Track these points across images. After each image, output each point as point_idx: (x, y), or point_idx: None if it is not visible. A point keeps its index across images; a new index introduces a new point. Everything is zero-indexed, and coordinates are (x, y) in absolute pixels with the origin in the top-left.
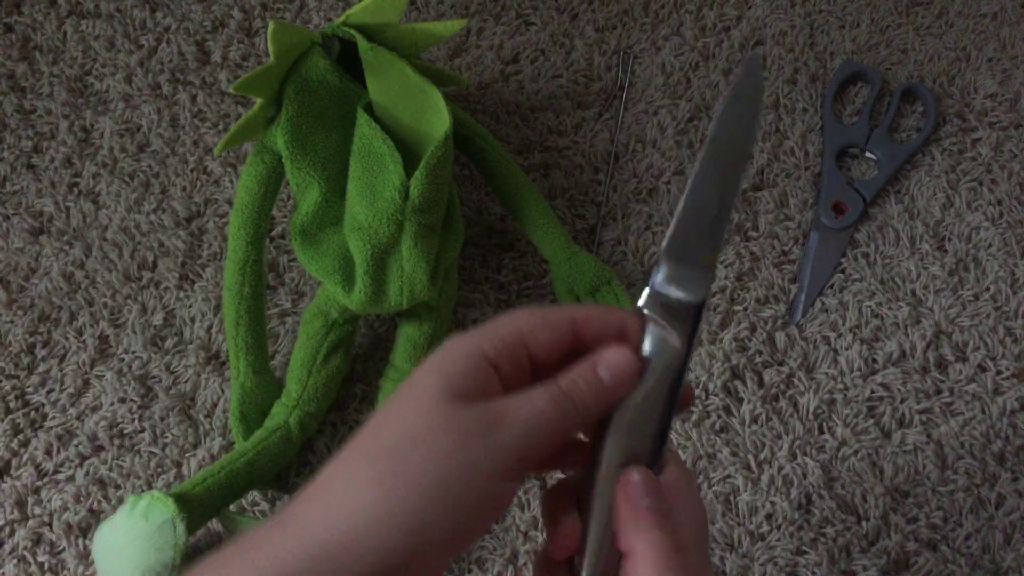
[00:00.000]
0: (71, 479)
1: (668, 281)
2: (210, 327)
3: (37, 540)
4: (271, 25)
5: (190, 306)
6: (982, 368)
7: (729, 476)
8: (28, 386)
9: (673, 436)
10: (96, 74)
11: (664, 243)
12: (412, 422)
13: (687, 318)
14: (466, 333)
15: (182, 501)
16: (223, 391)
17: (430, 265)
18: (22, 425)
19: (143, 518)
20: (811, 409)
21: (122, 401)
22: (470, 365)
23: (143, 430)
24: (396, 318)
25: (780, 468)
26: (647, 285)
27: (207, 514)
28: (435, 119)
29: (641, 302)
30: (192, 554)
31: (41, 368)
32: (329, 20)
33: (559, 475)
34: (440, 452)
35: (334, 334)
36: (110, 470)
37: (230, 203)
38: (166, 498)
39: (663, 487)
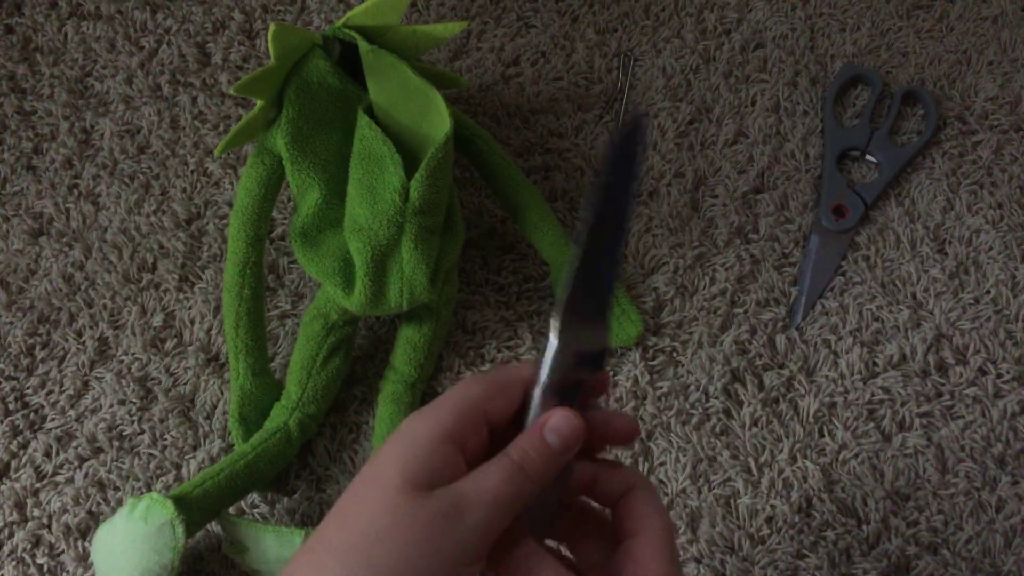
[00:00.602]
0: (70, 481)
1: (573, 334)
2: (210, 329)
3: (36, 542)
4: (272, 27)
5: (190, 308)
6: (983, 371)
7: (729, 479)
8: (27, 388)
9: (673, 439)
10: (97, 76)
11: (565, 298)
12: (379, 517)
13: (595, 363)
14: (427, 411)
15: (181, 503)
16: (223, 393)
17: (430, 267)
18: (21, 427)
19: (142, 520)
20: (811, 412)
21: (121, 403)
22: (434, 451)
23: (142, 432)
24: (396, 320)
25: (780, 471)
26: (549, 345)
27: (206, 516)
28: (436, 121)
29: (545, 371)
30: (191, 556)
31: (40, 370)
32: (330, 22)
33: None
34: (409, 547)
35: (334, 336)
36: (109, 472)
37: (230, 205)
38: (165, 500)
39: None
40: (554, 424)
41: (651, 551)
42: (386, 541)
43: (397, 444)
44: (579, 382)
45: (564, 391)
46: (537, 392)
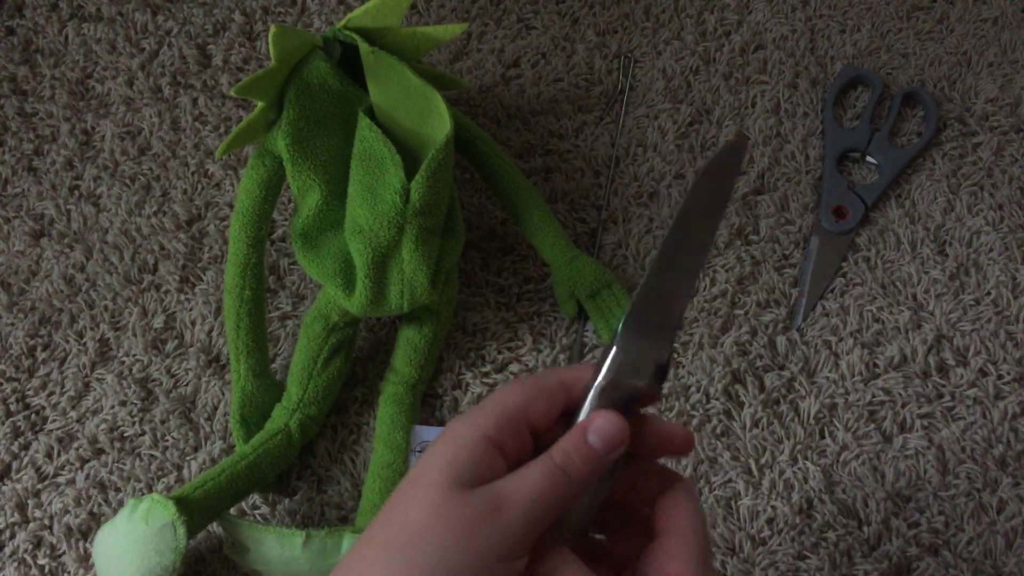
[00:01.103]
0: (71, 482)
1: (636, 343)
2: (211, 330)
3: (38, 543)
4: (273, 28)
5: (191, 309)
6: (983, 373)
7: (730, 480)
8: (29, 389)
9: None
10: (97, 77)
11: (633, 305)
12: (423, 514)
13: (655, 376)
14: (469, 415)
15: (182, 504)
16: (223, 394)
17: (431, 268)
18: (23, 428)
19: (143, 521)
20: (812, 413)
21: (123, 404)
22: (475, 452)
23: (143, 433)
24: (396, 321)
25: (781, 472)
26: (611, 350)
27: (208, 517)
28: (436, 122)
29: (601, 375)
30: (192, 557)
31: (42, 371)
32: (330, 24)
33: None
34: (451, 543)
35: (334, 337)
36: (111, 473)
37: (231, 206)
38: (166, 501)
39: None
40: (597, 426)
41: (679, 548)
42: (428, 537)
43: (440, 445)
44: (636, 392)
45: (618, 398)
46: (591, 395)
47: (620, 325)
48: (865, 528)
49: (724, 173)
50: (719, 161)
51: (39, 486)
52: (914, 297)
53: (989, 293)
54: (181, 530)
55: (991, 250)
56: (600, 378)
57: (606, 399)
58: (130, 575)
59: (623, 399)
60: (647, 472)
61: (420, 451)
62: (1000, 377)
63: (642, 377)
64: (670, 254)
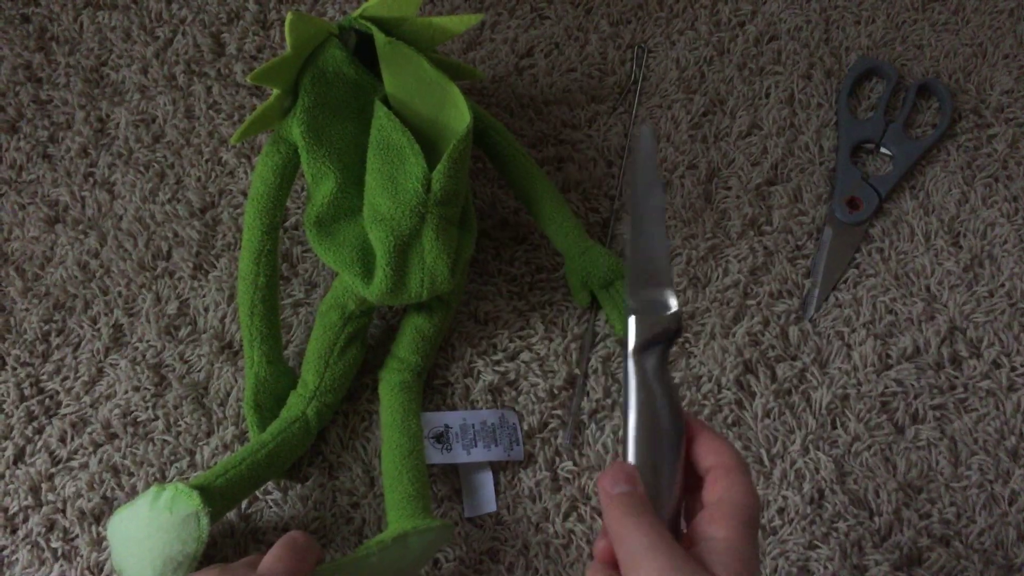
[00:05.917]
0: (85, 466)
1: (645, 303)
2: (223, 317)
3: (51, 526)
4: (289, 15)
5: (204, 296)
6: (996, 364)
7: None
8: (43, 374)
9: None
10: (112, 65)
11: (628, 274)
12: None
13: (670, 328)
14: None
15: (205, 494)
16: (236, 380)
17: (451, 257)
18: (36, 412)
19: (167, 510)
20: (824, 404)
21: (136, 389)
22: None
23: (156, 418)
24: (404, 309)
25: (792, 462)
26: (630, 319)
27: (227, 505)
28: (453, 112)
29: (632, 333)
30: (209, 544)
31: (56, 356)
32: (344, 13)
33: None
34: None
35: (351, 326)
36: (123, 458)
37: (244, 194)
38: (191, 491)
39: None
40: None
41: (729, 516)
42: None
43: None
44: (661, 340)
45: (650, 354)
46: (629, 364)
47: (626, 296)
48: (876, 518)
49: (646, 151)
50: (638, 145)
51: (52, 470)
52: (928, 288)
53: (1003, 285)
54: (205, 520)
55: (1005, 242)
56: (631, 345)
57: (640, 360)
58: (150, 562)
59: (654, 352)
60: (701, 445)
61: (432, 437)
62: (1013, 369)
63: (662, 325)
64: (638, 222)
